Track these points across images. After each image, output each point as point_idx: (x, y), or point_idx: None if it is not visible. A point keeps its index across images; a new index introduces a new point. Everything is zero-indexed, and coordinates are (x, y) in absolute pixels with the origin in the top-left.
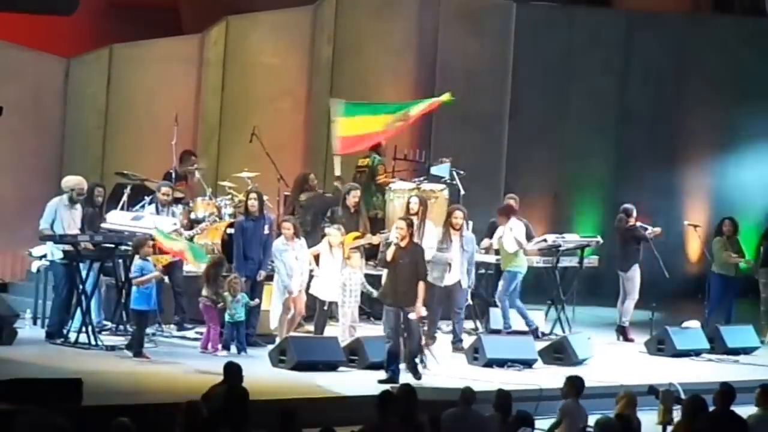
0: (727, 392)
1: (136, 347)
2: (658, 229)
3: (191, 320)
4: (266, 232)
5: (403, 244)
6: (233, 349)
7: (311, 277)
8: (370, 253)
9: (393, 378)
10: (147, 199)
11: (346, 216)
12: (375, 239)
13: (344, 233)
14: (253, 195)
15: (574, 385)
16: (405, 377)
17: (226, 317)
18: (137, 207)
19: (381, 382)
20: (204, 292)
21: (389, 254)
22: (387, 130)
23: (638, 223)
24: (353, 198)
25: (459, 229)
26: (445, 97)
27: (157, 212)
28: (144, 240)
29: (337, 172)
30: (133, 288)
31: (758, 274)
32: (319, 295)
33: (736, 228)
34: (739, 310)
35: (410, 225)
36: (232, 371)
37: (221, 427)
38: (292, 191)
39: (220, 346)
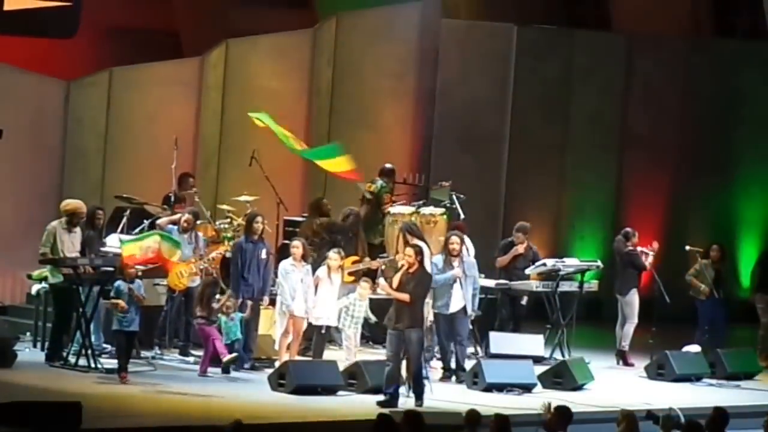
0: (719, 417)
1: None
2: (655, 244)
3: (195, 344)
4: (263, 257)
5: (411, 270)
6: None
7: None
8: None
9: (391, 402)
10: (146, 222)
11: (344, 240)
12: (374, 264)
13: (344, 257)
14: (259, 218)
15: (564, 415)
16: (406, 401)
17: (223, 339)
18: (136, 230)
19: (379, 404)
20: (198, 312)
21: (395, 280)
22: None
23: (639, 248)
24: (351, 223)
25: (457, 254)
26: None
27: (180, 234)
28: (128, 263)
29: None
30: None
31: (755, 299)
32: (315, 320)
33: (724, 254)
34: (738, 336)
35: (419, 252)
36: None
37: None
38: (310, 214)
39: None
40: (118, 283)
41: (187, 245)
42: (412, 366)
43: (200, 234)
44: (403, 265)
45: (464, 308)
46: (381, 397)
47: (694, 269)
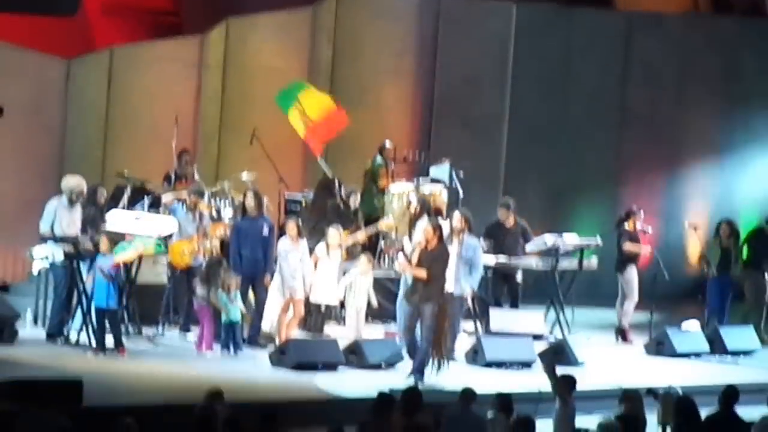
0: (730, 394)
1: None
2: (648, 248)
3: (196, 322)
4: (265, 233)
5: (429, 247)
6: (230, 349)
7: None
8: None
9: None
10: (146, 200)
11: (346, 213)
12: (359, 235)
13: (341, 235)
14: (249, 194)
15: (569, 382)
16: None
17: (223, 318)
18: (137, 207)
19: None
20: (199, 291)
21: (414, 257)
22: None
23: (639, 226)
24: (353, 201)
25: (459, 233)
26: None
27: (185, 214)
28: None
29: (329, 173)
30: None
31: (744, 276)
32: (315, 299)
33: (733, 231)
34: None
35: (437, 228)
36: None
37: None
38: (318, 193)
39: (214, 346)
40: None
41: (191, 223)
42: (423, 341)
43: (205, 212)
44: (420, 242)
45: (454, 292)
46: (382, 375)
47: (702, 249)
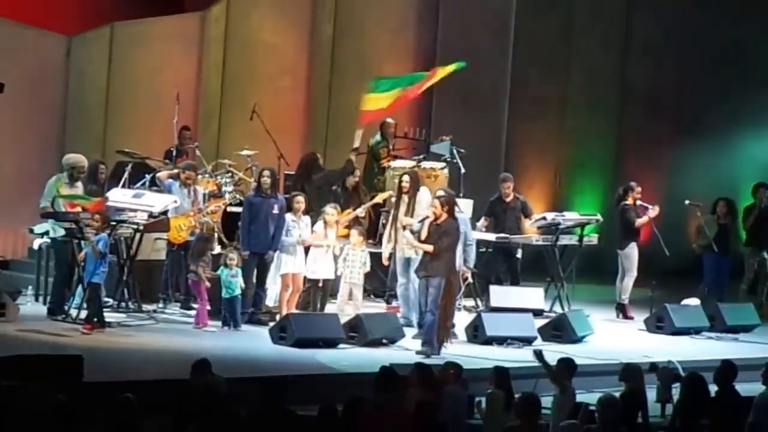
0: (728, 370)
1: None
2: (656, 209)
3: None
4: (275, 211)
5: (438, 221)
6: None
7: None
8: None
9: (428, 352)
10: (148, 177)
11: (344, 195)
12: (360, 212)
13: (340, 212)
14: (266, 172)
15: (568, 366)
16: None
17: (223, 293)
18: (138, 185)
19: (419, 353)
20: (191, 267)
21: (424, 232)
22: (399, 99)
23: (639, 202)
24: (353, 179)
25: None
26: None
27: (180, 188)
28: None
29: (356, 143)
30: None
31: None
32: (311, 275)
33: (731, 209)
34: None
35: (444, 203)
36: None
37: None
38: (300, 171)
39: (208, 322)
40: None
41: (186, 199)
42: (428, 313)
43: (199, 188)
44: (429, 217)
45: None
46: (382, 351)
47: (698, 227)
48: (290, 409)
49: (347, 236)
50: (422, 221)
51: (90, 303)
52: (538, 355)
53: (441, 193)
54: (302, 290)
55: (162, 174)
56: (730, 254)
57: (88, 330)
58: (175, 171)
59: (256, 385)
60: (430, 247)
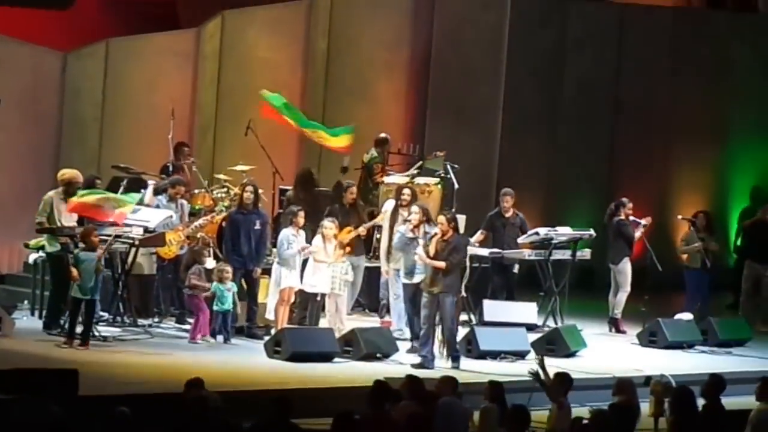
0: (716, 384)
1: (67, 331)
2: (648, 219)
3: (191, 312)
4: (257, 227)
5: (445, 237)
6: (220, 338)
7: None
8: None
9: (425, 364)
10: (143, 191)
11: (342, 212)
12: (361, 230)
13: (338, 227)
14: (249, 188)
15: (564, 381)
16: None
17: (214, 306)
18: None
19: (414, 366)
20: (186, 282)
21: (432, 248)
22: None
23: (631, 217)
24: (350, 195)
25: (418, 226)
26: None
27: (167, 203)
28: (91, 230)
29: (345, 162)
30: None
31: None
32: (310, 288)
33: (710, 221)
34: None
35: (451, 219)
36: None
37: None
38: (296, 186)
39: (204, 335)
40: (78, 251)
41: (174, 213)
42: (446, 330)
43: (184, 202)
44: (436, 233)
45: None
46: (378, 366)
47: (682, 240)
48: (295, 424)
49: (350, 254)
50: (431, 238)
51: (88, 320)
52: (535, 374)
53: (417, 206)
54: (292, 302)
55: (148, 199)
56: (710, 268)
57: (71, 345)
58: (162, 184)
59: (254, 399)
60: (442, 264)
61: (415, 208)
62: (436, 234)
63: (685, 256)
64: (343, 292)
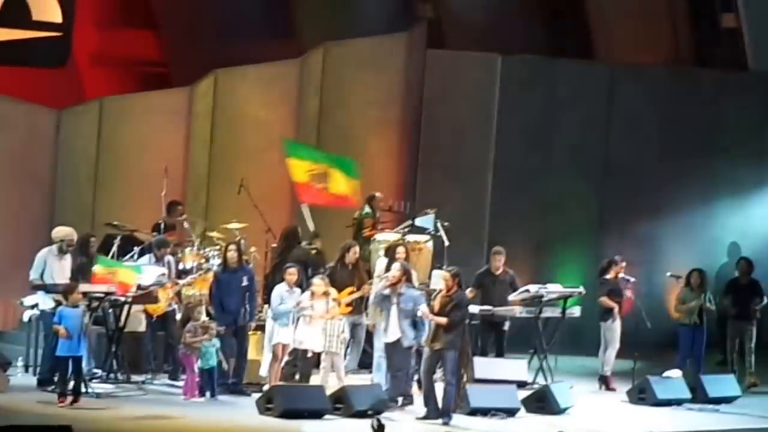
0: None
1: (59, 389)
2: (631, 296)
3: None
4: (245, 283)
5: (449, 293)
6: (208, 395)
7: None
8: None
9: (428, 417)
10: (136, 249)
11: (344, 273)
12: (365, 289)
13: (328, 284)
14: (232, 247)
15: None
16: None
17: (199, 363)
18: (127, 257)
19: (419, 419)
20: (181, 340)
21: (436, 304)
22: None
23: (621, 274)
24: (353, 254)
25: (396, 285)
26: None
27: (154, 263)
28: (73, 287)
29: (311, 226)
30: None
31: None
32: (298, 345)
33: (703, 280)
34: (711, 361)
35: (454, 276)
36: None
37: None
38: (281, 244)
39: (197, 393)
40: (61, 309)
41: (155, 269)
42: (447, 385)
43: (171, 259)
44: (440, 290)
45: (399, 340)
46: (366, 424)
47: (678, 298)
48: None
49: (351, 314)
50: (436, 295)
51: (77, 374)
52: None
53: (399, 265)
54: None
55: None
56: (705, 325)
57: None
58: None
59: None
60: (444, 320)
61: (396, 266)
62: (441, 290)
63: (677, 315)
64: (340, 351)
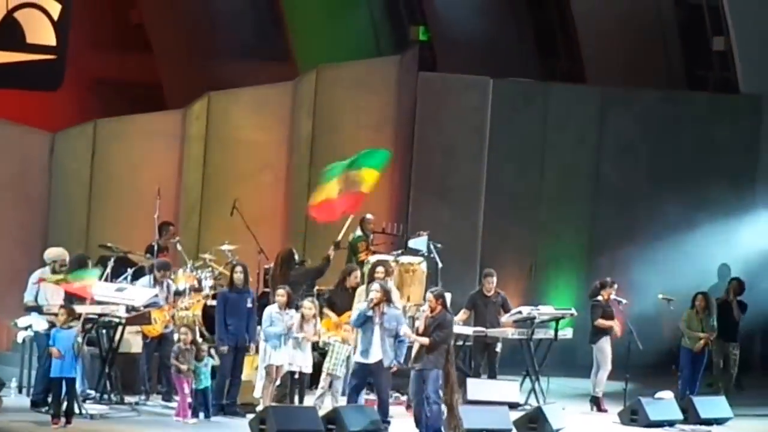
0: None
1: (53, 411)
2: (618, 328)
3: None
4: (249, 305)
5: (433, 314)
6: (202, 415)
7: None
8: None
9: None
10: (130, 271)
11: (345, 296)
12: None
13: (316, 306)
14: (239, 268)
15: None
16: None
17: (193, 384)
18: (121, 279)
19: None
20: (172, 360)
21: (421, 325)
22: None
23: (613, 296)
24: (354, 279)
25: (378, 305)
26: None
27: (153, 284)
28: (67, 309)
29: (340, 236)
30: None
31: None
32: (288, 366)
33: (708, 303)
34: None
35: (439, 296)
36: None
37: None
38: (279, 267)
39: (189, 413)
40: (55, 330)
41: (159, 293)
42: (431, 404)
43: (171, 282)
44: (425, 311)
45: (381, 360)
46: None
47: (685, 321)
48: None
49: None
50: (420, 316)
51: (70, 395)
52: None
53: (378, 285)
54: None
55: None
56: (706, 348)
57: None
58: (148, 266)
59: None
60: (426, 340)
61: (375, 286)
62: (425, 311)
63: (698, 335)
64: (341, 374)
